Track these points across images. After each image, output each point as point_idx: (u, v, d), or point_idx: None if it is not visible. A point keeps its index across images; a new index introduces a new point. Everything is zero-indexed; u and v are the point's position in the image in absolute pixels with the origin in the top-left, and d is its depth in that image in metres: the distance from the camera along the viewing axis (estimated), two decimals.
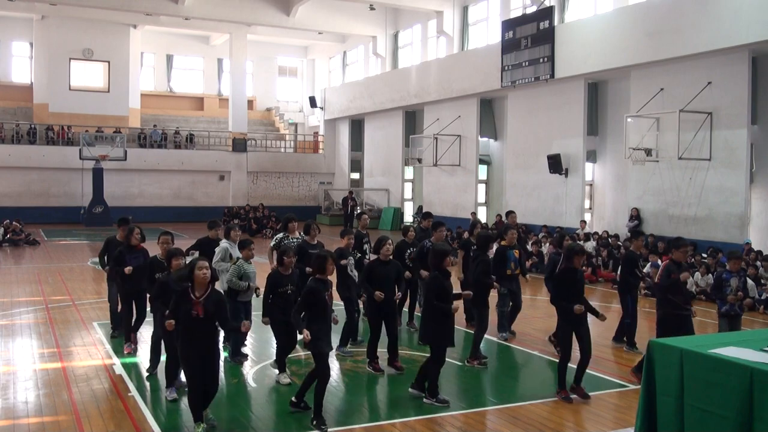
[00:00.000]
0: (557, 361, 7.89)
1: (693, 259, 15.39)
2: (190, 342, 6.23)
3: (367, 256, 10.34)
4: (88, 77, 34.57)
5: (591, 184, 23.20)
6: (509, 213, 13.42)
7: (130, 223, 9.79)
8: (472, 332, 9.13)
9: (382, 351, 8.54)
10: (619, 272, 10.61)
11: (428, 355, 7.51)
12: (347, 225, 27.91)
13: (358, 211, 29.49)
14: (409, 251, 10.33)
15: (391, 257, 8.48)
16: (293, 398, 6.98)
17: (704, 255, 15.68)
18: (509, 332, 10.30)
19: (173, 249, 7.72)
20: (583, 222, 20.75)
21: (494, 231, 12.78)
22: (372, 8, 29.96)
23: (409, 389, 7.50)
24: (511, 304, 10.28)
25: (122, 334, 9.52)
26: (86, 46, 34.09)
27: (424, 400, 7.28)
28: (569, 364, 7.58)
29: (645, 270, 12.83)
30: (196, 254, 8.67)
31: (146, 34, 36.18)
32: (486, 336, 9.13)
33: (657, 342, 5.61)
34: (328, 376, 6.71)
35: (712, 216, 17.40)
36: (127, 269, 8.81)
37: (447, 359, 7.59)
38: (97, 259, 19.24)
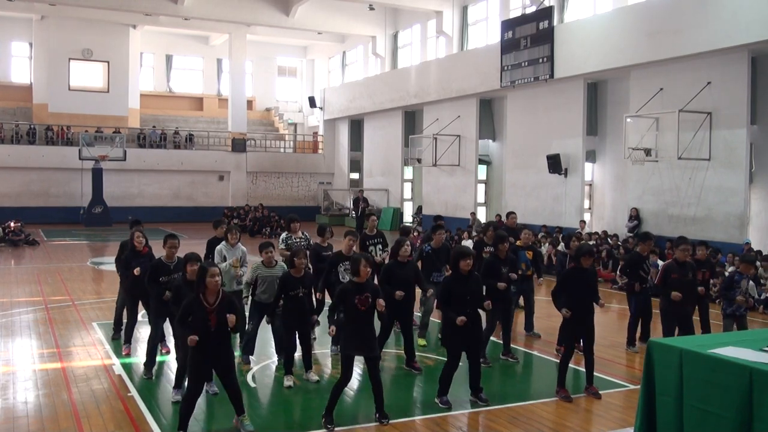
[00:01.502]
0: (557, 361, 7.91)
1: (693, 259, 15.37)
2: (203, 349, 6.11)
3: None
4: (88, 77, 34.56)
5: (590, 184, 23.20)
6: (509, 214, 13.38)
7: (141, 224, 9.72)
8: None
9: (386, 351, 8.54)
10: (618, 273, 10.64)
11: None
12: (359, 227, 27.81)
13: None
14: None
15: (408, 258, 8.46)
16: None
17: None
18: (533, 333, 10.40)
19: (190, 254, 7.42)
20: (583, 222, 20.76)
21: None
22: (371, 8, 29.96)
23: (471, 397, 7.34)
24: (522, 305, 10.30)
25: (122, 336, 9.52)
26: (86, 46, 34.08)
27: (435, 398, 7.28)
28: (570, 365, 7.59)
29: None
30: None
31: (146, 34, 36.17)
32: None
33: (656, 342, 5.62)
34: (348, 379, 6.65)
35: (711, 216, 17.41)
36: (136, 270, 8.62)
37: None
38: (97, 260, 19.42)
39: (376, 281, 8.15)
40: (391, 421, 6.74)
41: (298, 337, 7.89)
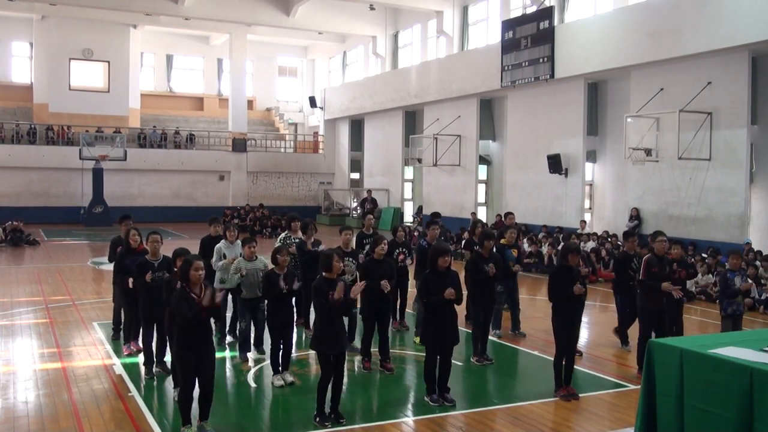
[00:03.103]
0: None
1: (693, 259, 15.40)
2: (187, 340, 6.21)
3: (369, 257, 10.34)
4: (88, 77, 34.56)
5: (591, 184, 23.20)
6: (507, 214, 13.46)
7: (130, 220, 9.72)
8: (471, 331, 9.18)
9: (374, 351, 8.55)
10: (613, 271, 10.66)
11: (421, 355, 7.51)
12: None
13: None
14: (397, 251, 10.32)
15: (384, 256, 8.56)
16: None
17: (704, 255, 15.69)
18: (518, 332, 10.45)
19: (179, 249, 7.48)
20: (583, 222, 20.77)
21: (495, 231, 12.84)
22: (372, 8, 29.96)
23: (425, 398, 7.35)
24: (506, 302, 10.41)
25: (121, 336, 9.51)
26: (86, 46, 34.08)
27: (425, 397, 7.30)
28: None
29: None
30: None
31: (146, 34, 36.18)
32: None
33: (657, 342, 5.62)
34: (329, 375, 6.66)
35: (711, 216, 17.40)
36: (130, 282, 8.47)
37: None
38: (97, 260, 19.41)
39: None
40: (390, 421, 6.74)
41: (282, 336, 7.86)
